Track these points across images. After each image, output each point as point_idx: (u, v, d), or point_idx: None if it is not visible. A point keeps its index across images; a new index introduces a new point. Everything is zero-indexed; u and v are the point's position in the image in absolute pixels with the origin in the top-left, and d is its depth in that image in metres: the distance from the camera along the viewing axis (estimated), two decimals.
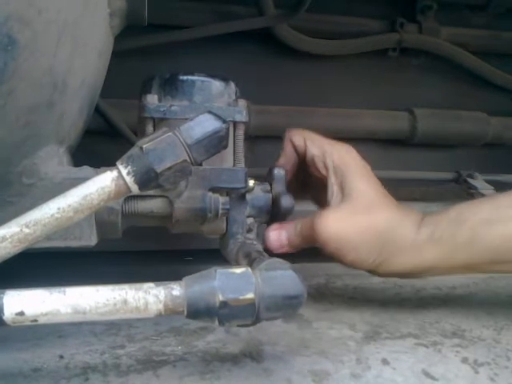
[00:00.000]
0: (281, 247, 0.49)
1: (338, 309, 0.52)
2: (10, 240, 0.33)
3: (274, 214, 0.49)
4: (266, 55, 0.87)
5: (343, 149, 0.49)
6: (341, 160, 0.48)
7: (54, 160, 0.41)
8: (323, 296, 0.57)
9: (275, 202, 0.49)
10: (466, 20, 0.96)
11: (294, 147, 0.52)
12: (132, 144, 0.78)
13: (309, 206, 0.62)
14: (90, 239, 0.42)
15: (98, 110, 0.69)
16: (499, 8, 0.93)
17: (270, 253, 0.46)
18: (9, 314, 0.30)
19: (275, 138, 0.90)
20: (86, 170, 0.43)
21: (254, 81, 0.83)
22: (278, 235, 0.49)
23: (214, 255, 0.60)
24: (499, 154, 0.99)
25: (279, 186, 0.49)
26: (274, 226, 0.50)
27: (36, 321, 0.30)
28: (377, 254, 0.45)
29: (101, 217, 0.42)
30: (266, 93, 0.85)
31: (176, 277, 0.66)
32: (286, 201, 0.48)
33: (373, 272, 0.48)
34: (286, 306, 0.34)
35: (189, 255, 0.71)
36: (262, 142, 0.87)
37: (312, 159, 0.50)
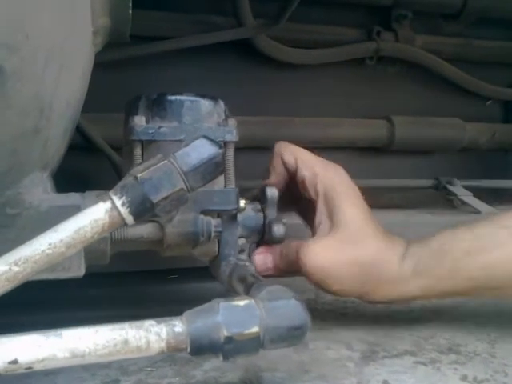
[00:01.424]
0: (266, 270, 0.49)
1: (331, 326, 0.51)
2: None
3: (265, 239, 0.48)
4: (245, 65, 0.87)
5: (333, 171, 0.49)
6: (331, 185, 0.47)
7: (38, 188, 0.39)
8: (315, 312, 0.55)
9: (266, 226, 0.48)
10: (440, 28, 0.97)
11: (285, 165, 0.51)
12: (109, 158, 0.76)
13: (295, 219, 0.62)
14: (79, 269, 0.40)
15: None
16: (470, 17, 0.95)
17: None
18: (0, 363, 0.28)
19: (255, 148, 0.90)
20: (72, 196, 0.41)
21: (233, 91, 0.82)
22: (264, 259, 0.49)
23: (199, 273, 0.59)
24: (475, 159, 1.02)
25: (271, 210, 0.48)
26: (261, 249, 0.50)
27: (31, 368, 0.28)
28: (361, 285, 0.46)
29: (90, 245, 0.40)
30: (245, 103, 0.84)
31: (163, 296, 0.65)
32: (278, 229, 0.47)
33: (358, 298, 0.48)
34: (291, 337, 0.33)
35: (173, 273, 0.69)
36: (242, 152, 0.86)
37: (302, 181, 0.49)
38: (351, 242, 0.46)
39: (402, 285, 0.46)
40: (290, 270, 0.48)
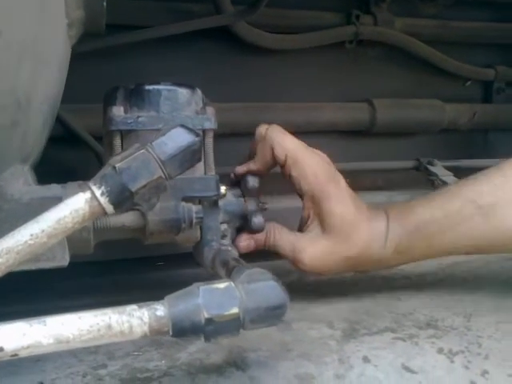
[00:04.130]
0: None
1: (314, 307, 0.53)
2: None
3: (245, 227, 0.50)
4: (224, 52, 0.87)
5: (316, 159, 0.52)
6: (318, 189, 0.51)
7: (19, 180, 0.40)
8: (298, 294, 0.57)
9: (247, 216, 0.50)
10: (418, 10, 0.98)
11: (274, 157, 0.52)
12: (93, 149, 0.76)
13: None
14: (63, 259, 0.41)
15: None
16: None
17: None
18: None
19: (237, 135, 0.90)
20: (53, 188, 0.41)
21: (213, 79, 0.83)
22: (248, 247, 0.52)
23: (184, 259, 0.60)
24: (455, 139, 1.03)
25: (252, 199, 0.50)
26: (244, 236, 0.52)
27: (16, 355, 0.29)
28: (350, 270, 0.55)
29: (72, 235, 0.41)
30: (226, 90, 0.84)
31: (147, 283, 0.65)
32: (259, 220, 0.50)
33: None
34: (270, 317, 0.34)
35: (159, 260, 0.70)
36: (224, 139, 0.87)
37: (290, 177, 0.52)
38: (343, 241, 0.51)
39: (384, 263, 0.54)
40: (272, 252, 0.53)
